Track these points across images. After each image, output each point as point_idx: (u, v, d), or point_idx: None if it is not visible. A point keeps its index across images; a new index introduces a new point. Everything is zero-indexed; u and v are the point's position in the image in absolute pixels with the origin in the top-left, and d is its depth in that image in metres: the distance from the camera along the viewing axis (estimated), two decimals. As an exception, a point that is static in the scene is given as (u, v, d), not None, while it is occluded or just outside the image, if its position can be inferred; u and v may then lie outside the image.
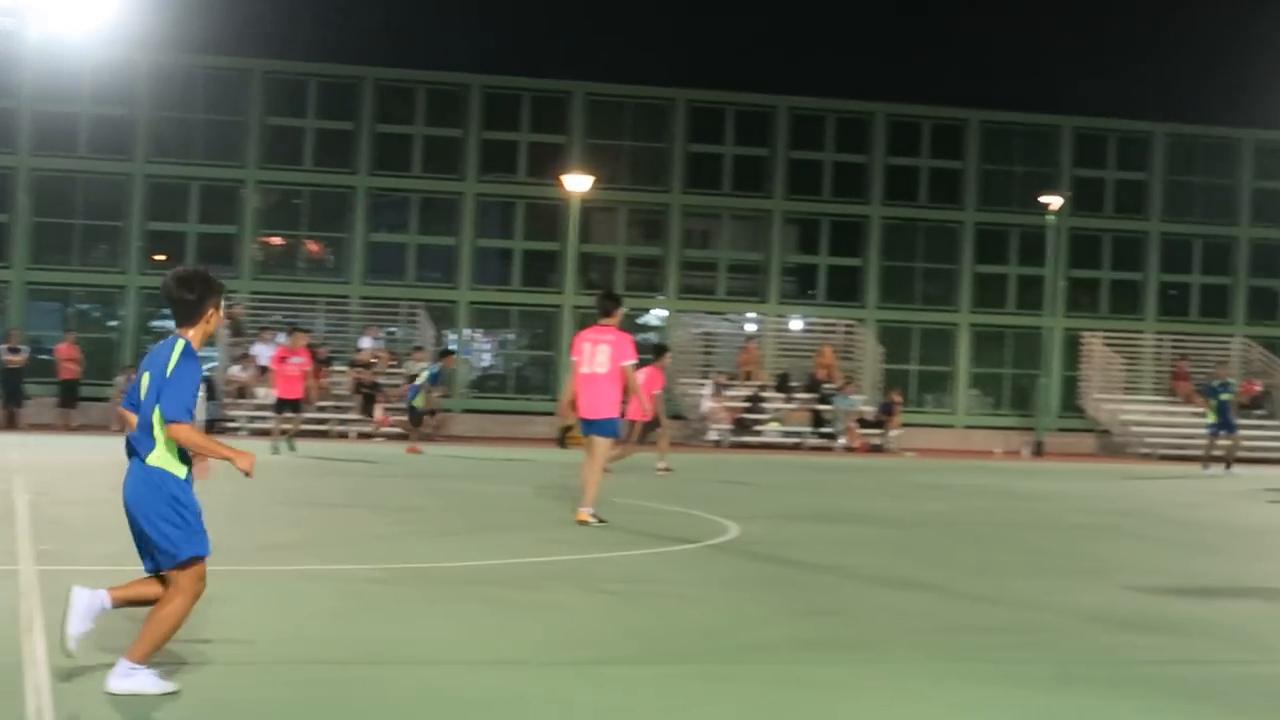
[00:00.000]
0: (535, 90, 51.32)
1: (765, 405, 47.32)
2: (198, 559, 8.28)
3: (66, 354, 43.81)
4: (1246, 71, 64.52)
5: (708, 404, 46.75)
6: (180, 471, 8.33)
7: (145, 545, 8.40)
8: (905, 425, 47.39)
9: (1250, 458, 41.20)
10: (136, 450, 8.36)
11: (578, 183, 46.99)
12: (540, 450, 35.93)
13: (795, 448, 44.74)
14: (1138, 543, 19.33)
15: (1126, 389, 51.01)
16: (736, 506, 21.53)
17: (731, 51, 69.58)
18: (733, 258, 52.97)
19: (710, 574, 14.28)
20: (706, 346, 51.23)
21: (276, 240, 50.92)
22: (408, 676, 9.13)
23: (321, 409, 44.11)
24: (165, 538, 8.23)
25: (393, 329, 49.67)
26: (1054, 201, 49.71)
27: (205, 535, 8.33)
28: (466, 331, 50.74)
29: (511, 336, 52.11)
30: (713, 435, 46.02)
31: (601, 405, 18.44)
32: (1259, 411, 49.47)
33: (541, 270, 51.29)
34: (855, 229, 52.66)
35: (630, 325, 51.49)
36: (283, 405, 33.84)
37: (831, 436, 45.61)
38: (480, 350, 52.71)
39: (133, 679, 8.18)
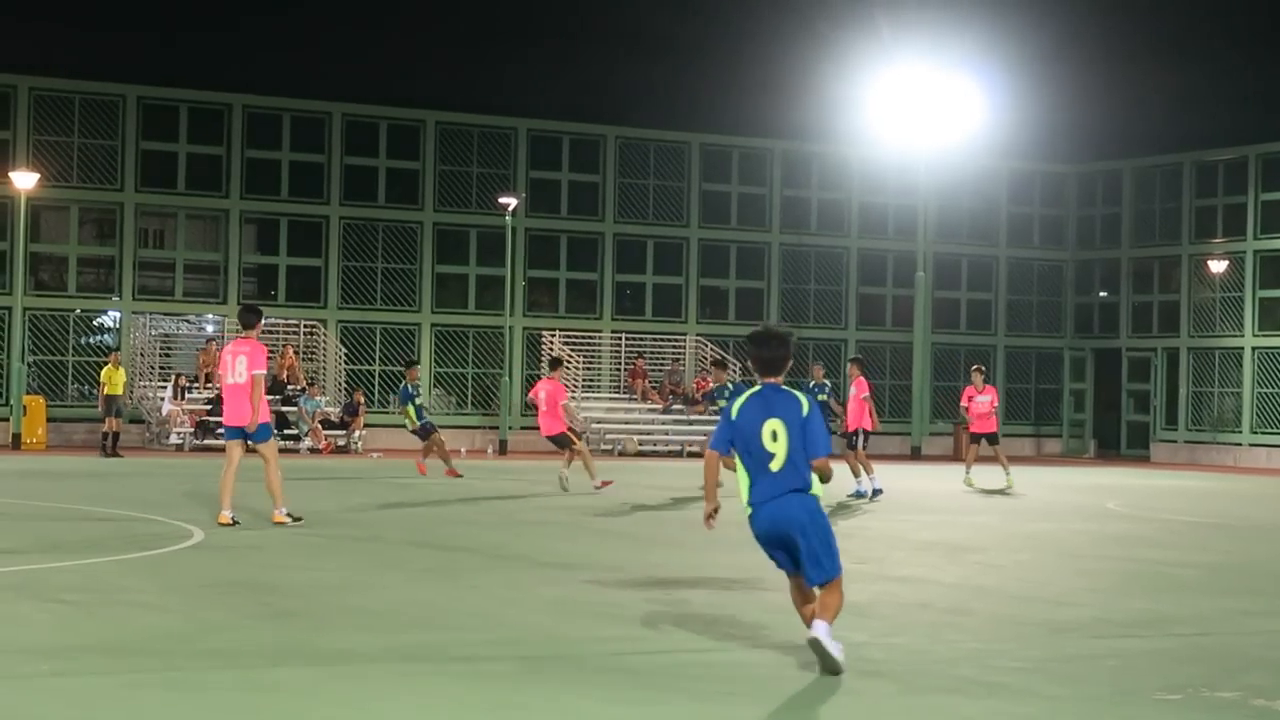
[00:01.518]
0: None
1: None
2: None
3: None
4: (697, 78, 66.71)
5: (168, 407, 45.73)
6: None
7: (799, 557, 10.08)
8: (369, 426, 47.39)
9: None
10: (793, 488, 10.04)
11: (24, 179, 45.29)
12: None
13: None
14: (600, 538, 19.76)
15: (586, 386, 52.15)
16: (201, 511, 21.11)
17: (179, 45, 68.27)
18: (190, 257, 51.94)
19: (174, 580, 13.96)
20: (165, 348, 50.11)
21: None
22: None
23: None
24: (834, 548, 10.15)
25: None
26: (511, 202, 50.43)
27: None
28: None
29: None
30: (174, 439, 45.04)
31: (246, 413, 19.33)
32: (714, 408, 51.20)
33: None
34: (315, 228, 52.33)
35: (85, 326, 50.08)
36: None
37: (296, 438, 45.21)
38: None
39: (835, 642, 9.90)
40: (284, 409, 45.77)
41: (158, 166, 50.72)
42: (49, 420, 44.92)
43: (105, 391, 41.63)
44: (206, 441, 44.20)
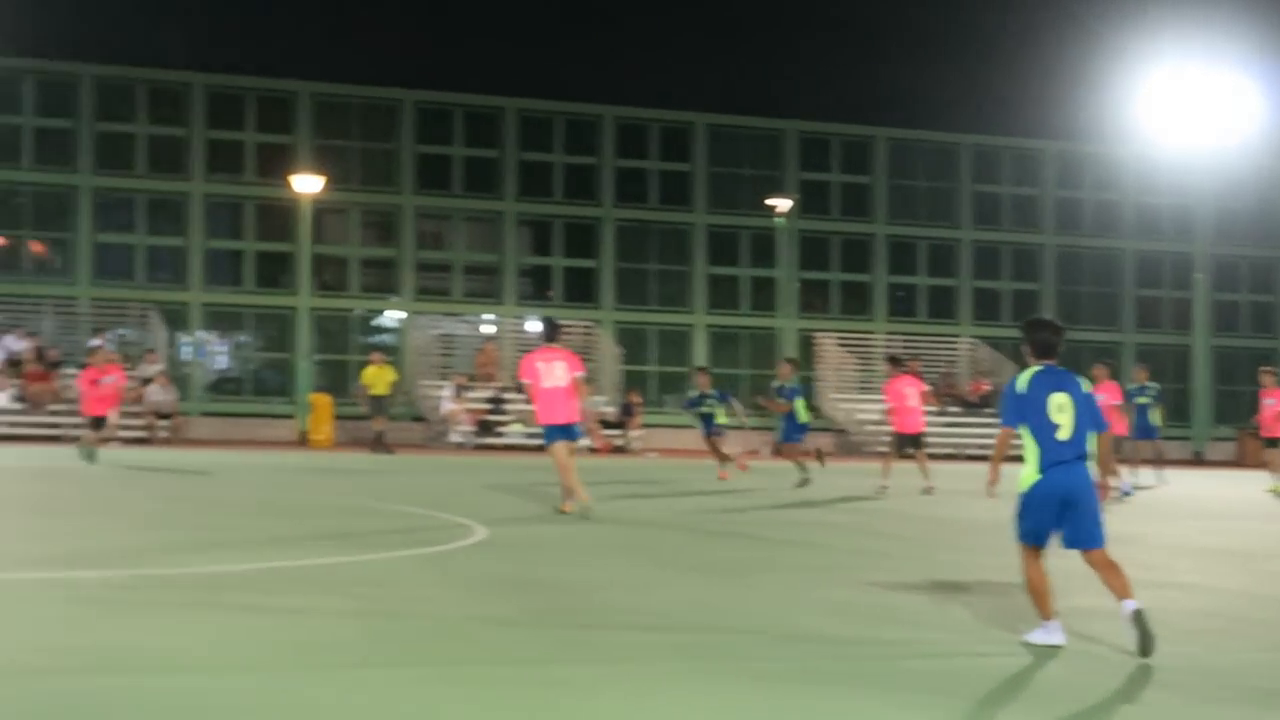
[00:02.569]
0: (260, 90, 50.65)
1: (507, 407, 47.29)
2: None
3: None
4: (967, 78, 66.05)
5: (448, 406, 46.57)
6: None
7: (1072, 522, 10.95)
8: (646, 426, 47.73)
9: (982, 455, 42.20)
10: (1079, 455, 11.01)
11: (307, 183, 46.47)
12: (279, 454, 35.42)
13: (538, 449, 44.72)
14: (876, 539, 19.67)
15: (860, 388, 51.91)
16: (483, 509, 21.47)
17: (458, 52, 69.35)
18: (467, 259, 52.83)
19: (459, 576, 14.21)
20: (445, 348, 51.04)
21: (-1, 240, 49.58)
22: (149, 685, 8.91)
23: (52, 413, 43.17)
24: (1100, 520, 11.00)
25: (123, 331, 48.63)
26: (782, 204, 50.43)
27: None
28: (199, 333, 49.90)
29: (246, 338, 51.31)
30: (455, 438, 45.86)
31: (571, 412, 21.39)
32: (988, 410, 50.66)
33: (274, 271, 50.69)
34: (588, 230, 52.88)
35: (365, 327, 51.23)
36: (96, 422, 32.77)
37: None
38: (215, 353, 51.88)
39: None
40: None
41: (434, 170, 51.69)
42: (335, 418, 46.04)
43: (371, 392, 42.39)
44: (486, 440, 44.94)
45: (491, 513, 20.88)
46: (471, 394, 47.32)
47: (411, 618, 11.65)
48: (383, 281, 52.46)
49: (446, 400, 46.80)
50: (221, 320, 50.54)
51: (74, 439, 42.23)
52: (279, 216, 50.13)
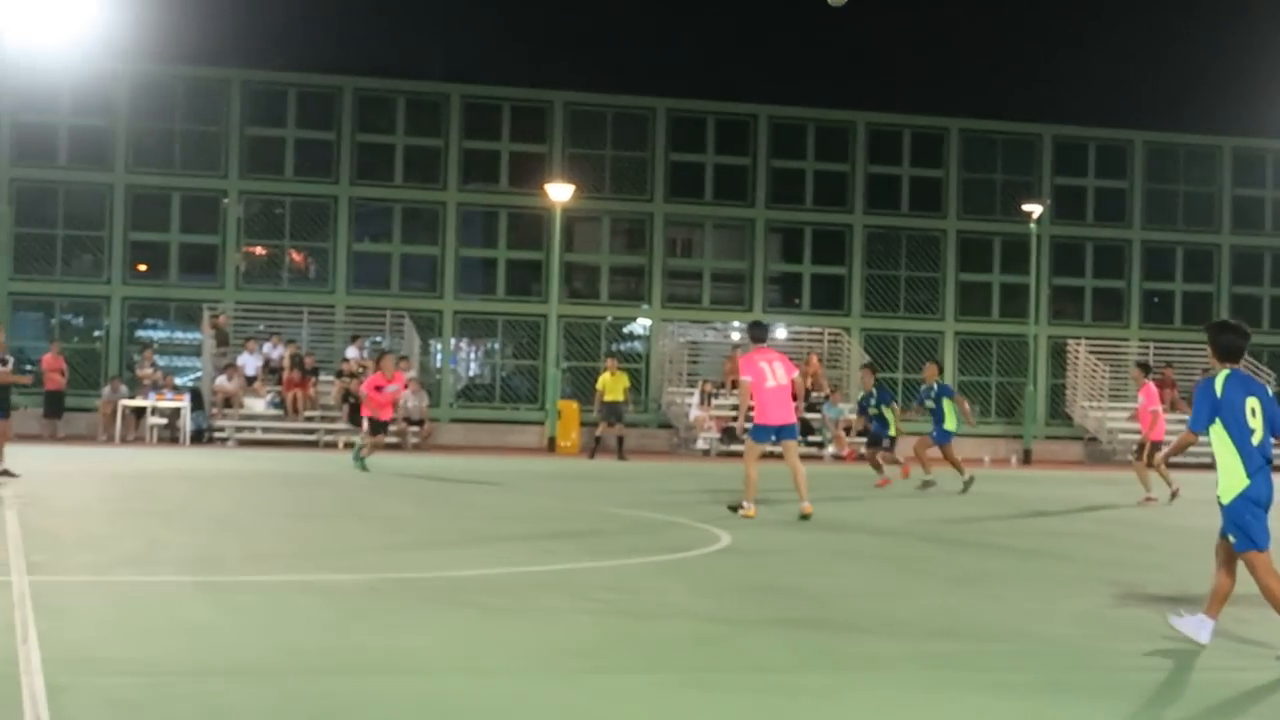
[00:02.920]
0: (515, 100, 51.35)
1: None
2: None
3: (51, 364, 43.62)
4: (1225, 80, 64.69)
5: (695, 413, 46.76)
6: None
7: None
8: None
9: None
10: (1270, 459, 11.03)
11: (560, 192, 47.00)
12: (527, 460, 35.82)
13: (778, 456, 44.68)
14: (1126, 549, 19.35)
15: (1112, 396, 51.05)
16: (727, 515, 21.52)
17: (709, 60, 69.65)
18: (716, 266, 53.00)
19: (702, 583, 14.27)
20: (692, 355, 51.25)
21: (259, 250, 50.81)
22: (400, 686, 9.12)
23: (309, 419, 44.21)
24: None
25: (378, 338, 49.59)
26: (1035, 209, 49.84)
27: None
28: (452, 341, 50.71)
29: (497, 345, 51.99)
30: (700, 444, 46.04)
31: (788, 413, 22.21)
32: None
33: (526, 279, 51.35)
34: (838, 237, 52.75)
35: (615, 334, 51.64)
36: (377, 426, 32.81)
37: (820, 445, 45.62)
38: (467, 360, 52.69)
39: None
40: (808, 415, 46.13)
41: (685, 177, 51.96)
42: (581, 425, 46.41)
43: (605, 398, 42.45)
44: (731, 447, 45.01)
45: (736, 519, 20.93)
46: (717, 401, 47.46)
47: (655, 622, 11.74)
48: (632, 289, 52.86)
49: (693, 407, 46.97)
50: (473, 327, 51.28)
51: (330, 444, 43.30)
52: (531, 225, 50.79)
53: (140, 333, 49.13)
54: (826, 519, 21.41)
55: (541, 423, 47.49)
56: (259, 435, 43.91)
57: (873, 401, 32.54)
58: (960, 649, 11.05)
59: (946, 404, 31.02)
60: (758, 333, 23.15)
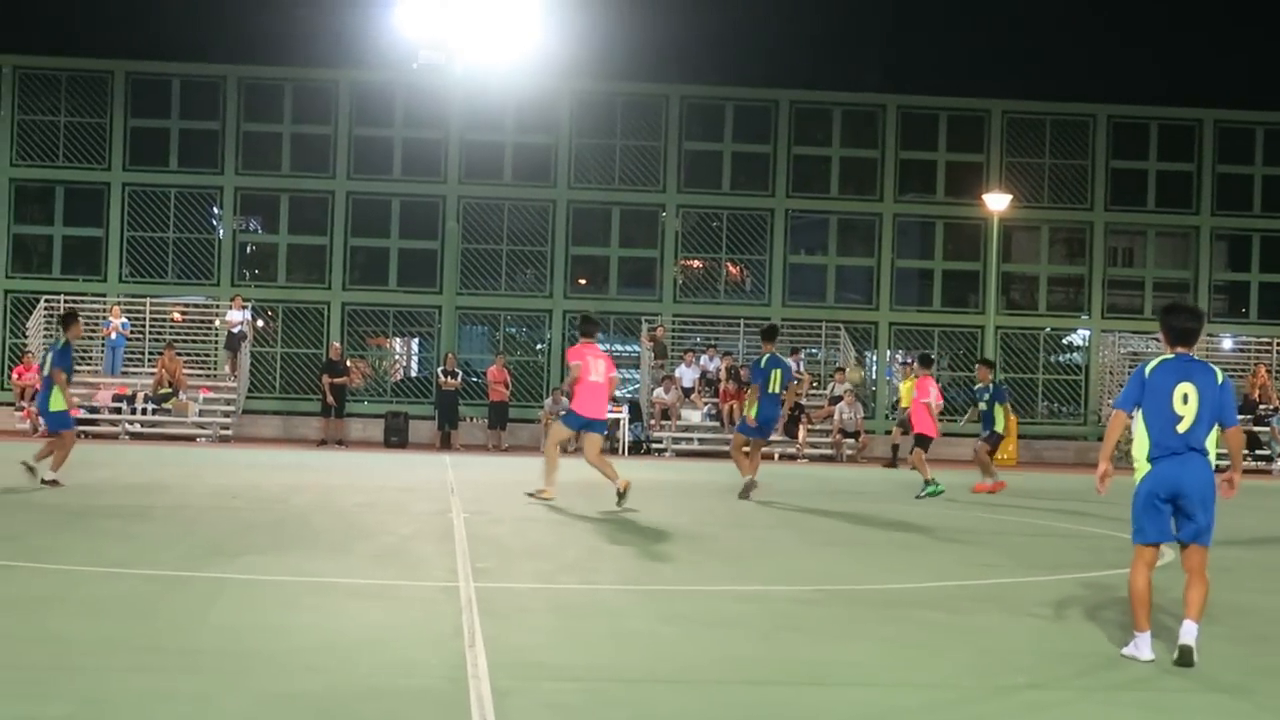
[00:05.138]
0: (952, 109, 51.05)
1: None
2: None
3: (496, 376, 45.03)
4: None
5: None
6: None
7: (1180, 514, 10.73)
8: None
9: None
10: (1194, 447, 10.59)
11: (997, 201, 46.57)
12: (961, 472, 35.43)
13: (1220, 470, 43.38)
14: None
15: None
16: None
17: (1155, 67, 68.14)
18: (1159, 275, 51.80)
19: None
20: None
21: (696, 263, 51.59)
22: (835, 697, 9.19)
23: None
24: (1211, 519, 10.73)
25: (813, 350, 49.84)
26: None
27: None
28: (887, 353, 50.68)
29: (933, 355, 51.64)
30: (1140, 457, 44.97)
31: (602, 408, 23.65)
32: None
33: (962, 290, 50.99)
34: None
35: (1054, 344, 50.85)
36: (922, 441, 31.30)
37: (1268, 459, 44.14)
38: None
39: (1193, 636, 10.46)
40: (1254, 429, 44.64)
41: (1127, 185, 51.03)
42: (1019, 437, 45.76)
43: (902, 404, 40.45)
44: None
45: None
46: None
47: (1093, 640, 11.55)
48: (1071, 299, 52.04)
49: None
50: (909, 339, 51.12)
51: (765, 456, 43.57)
52: (967, 235, 50.44)
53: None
54: (1256, 534, 20.68)
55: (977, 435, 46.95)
56: (695, 446, 44.56)
57: (986, 396, 31.31)
58: None
59: (997, 407, 30.66)
60: (588, 328, 24.44)
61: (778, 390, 26.06)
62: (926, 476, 28.13)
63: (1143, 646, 10.61)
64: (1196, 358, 10.90)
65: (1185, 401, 10.59)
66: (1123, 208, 50.99)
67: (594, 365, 23.30)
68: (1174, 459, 10.59)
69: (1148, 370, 10.84)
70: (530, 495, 23.02)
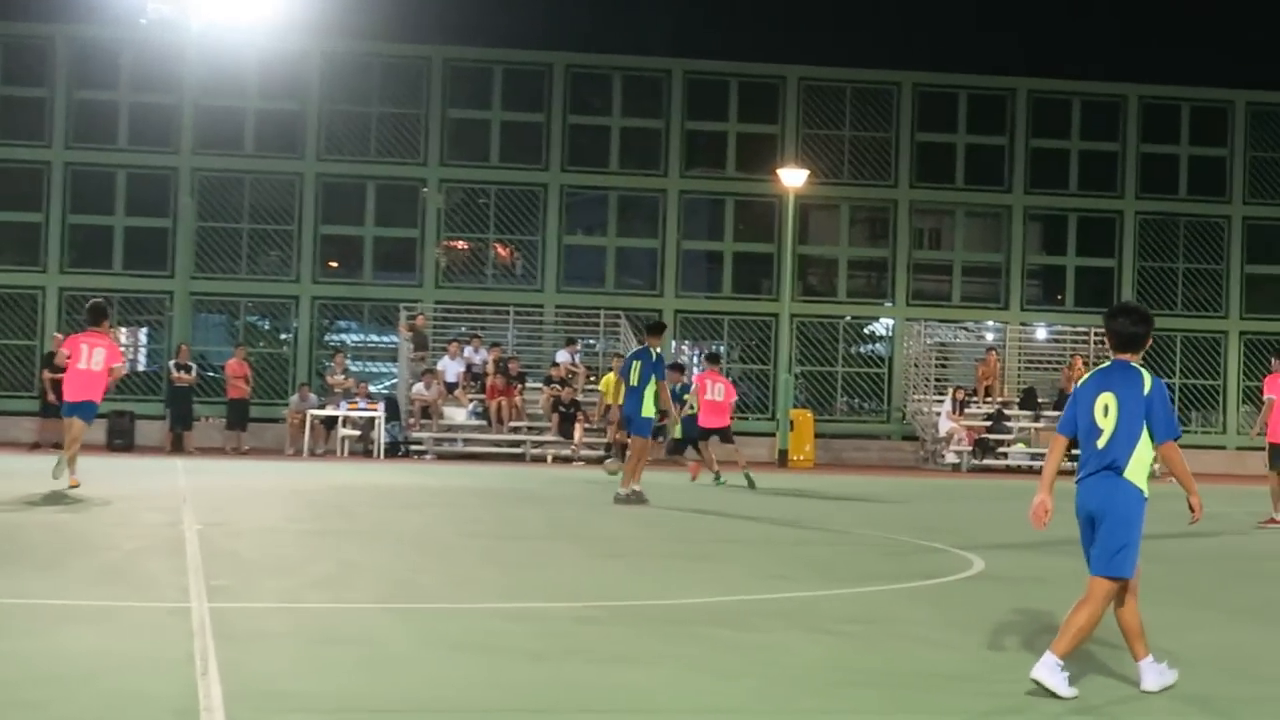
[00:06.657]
0: (743, 76, 51.35)
1: (1009, 424, 46.94)
2: (1124, 579, 10.34)
3: (236, 371, 44.42)
4: None
5: (946, 424, 46.39)
6: (1146, 491, 10.36)
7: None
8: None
9: None
10: (1110, 464, 10.27)
11: (793, 177, 46.87)
12: (756, 475, 35.70)
13: (1035, 474, 44.17)
14: None
15: None
16: (980, 537, 21.35)
17: (965, 32, 69.17)
18: (968, 259, 52.58)
19: (953, 613, 14.13)
20: (941, 359, 50.88)
21: (461, 244, 51.36)
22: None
23: (515, 430, 44.55)
24: (1121, 546, 10.29)
25: (591, 340, 49.88)
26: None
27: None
28: (673, 344, 50.86)
29: (723, 348, 51.95)
30: (950, 458, 45.71)
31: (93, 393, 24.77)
32: None
33: (755, 274, 51.32)
34: (1107, 226, 52.04)
35: (854, 335, 51.43)
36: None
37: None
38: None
39: (1054, 674, 10.01)
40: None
41: (934, 159, 51.64)
42: (816, 436, 46.27)
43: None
44: (986, 461, 44.67)
45: (989, 541, 20.72)
46: (970, 409, 47.08)
47: (899, 657, 11.63)
48: (873, 285, 52.66)
49: (944, 418, 46.58)
50: (696, 328, 51.39)
51: (537, 458, 43.64)
52: (760, 214, 50.78)
53: (331, 336, 49.94)
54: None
55: (772, 434, 47.40)
56: (460, 448, 44.39)
57: None
58: (1249, 691, 10.80)
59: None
60: (93, 314, 25.42)
61: (637, 384, 26.49)
62: (714, 469, 30.42)
63: (1148, 674, 10.63)
64: (1135, 365, 10.59)
65: (1105, 414, 10.38)
66: (929, 185, 51.68)
67: (88, 354, 24.49)
68: (1090, 479, 10.44)
69: (1079, 382, 10.78)
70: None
